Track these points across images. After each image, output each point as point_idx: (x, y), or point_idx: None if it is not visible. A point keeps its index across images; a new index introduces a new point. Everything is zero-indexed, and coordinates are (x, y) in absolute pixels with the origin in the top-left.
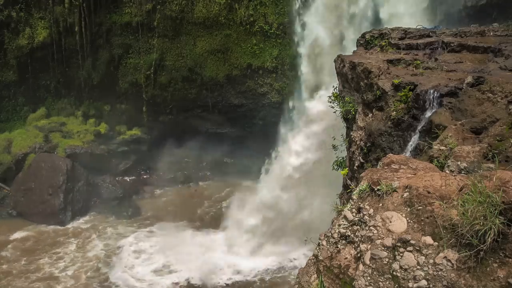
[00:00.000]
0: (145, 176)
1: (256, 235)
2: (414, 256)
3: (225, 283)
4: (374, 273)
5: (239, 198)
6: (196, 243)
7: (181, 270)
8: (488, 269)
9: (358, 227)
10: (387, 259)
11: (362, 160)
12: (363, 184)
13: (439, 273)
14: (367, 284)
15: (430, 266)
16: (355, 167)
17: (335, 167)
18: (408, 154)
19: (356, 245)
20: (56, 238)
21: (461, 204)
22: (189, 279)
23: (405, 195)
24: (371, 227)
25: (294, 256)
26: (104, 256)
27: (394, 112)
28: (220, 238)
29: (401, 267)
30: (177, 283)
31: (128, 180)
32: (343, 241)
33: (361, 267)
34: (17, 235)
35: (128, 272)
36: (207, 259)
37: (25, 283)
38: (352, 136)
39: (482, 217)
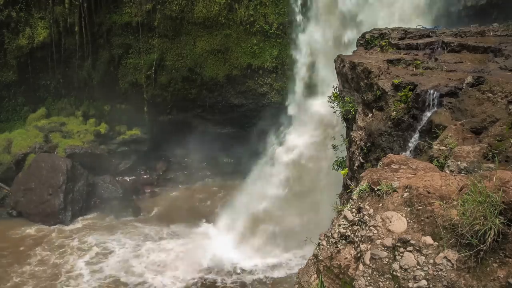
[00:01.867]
0: (145, 176)
1: (258, 234)
2: (414, 256)
3: (226, 282)
4: (374, 273)
5: (239, 198)
6: (196, 243)
7: (180, 269)
8: (488, 269)
9: (358, 227)
10: (387, 259)
11: (362, 160)
12: (363, 184)
13: (439, 273)
14: (367, 284)
15: (430, 266)
16: (355, 167)
17: (335, 167)
18: (408, 154)
19: (356, 245)
20: (55, 238)
21: (461, 204)
22: (187, 279)
23: (405, 195)
24: (371, 227)
25: (296, 255)
26: (101, 257)
27: (394, 112)
28: (220, 237)
29: (401, 267)
30: (175, 283)
31: (128, 180)
32: (343, 241)
33: (361, 267)
34: (16, 235)
35: (123, 271)
36: (207, 258)
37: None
38: (352, 136)
39: (482, 217)
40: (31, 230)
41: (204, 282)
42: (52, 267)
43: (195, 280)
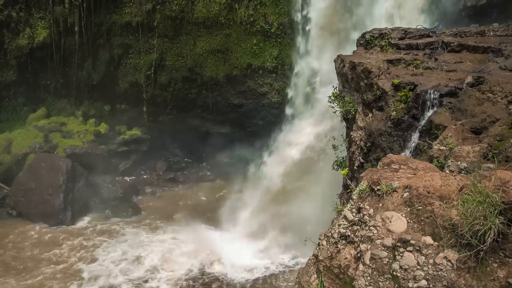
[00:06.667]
0: (145, 176)
1: (258, 234)
2: (414, 256)
3: (226, 282)
4: (374, 273)
5: (239, 198)
6: (195, 243)
7: (180, 269)
8: (488, 269)
9: (358, 227)
10: (387, 259)
11: (362, 160)
12: (363, 184)
13: (439, 273)
14: (367, 284)
15: (430, 266)
16: (355, 167)
17: (335, 167)
18: (408, 154)
19: (356, 245)
20: (55, 238)
21: (461, 204)
22: (187, 279)
23: (405, 195)
24: (371, 227)
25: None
26: (101, 257)
27: (394, 112)
28: (220, 237)
29: (401, 267)
30: (175, 282)
31: (128, 180)
32: (343, 241)
33: (361, 267)
34: (16, 235)
35: (123, 270)
36: (207, 258)
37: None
38: (352, 136)
39: (482, 217)
40: (30, 230)
41: (205, 282)
42: (52, 267)
43: (196, 280)
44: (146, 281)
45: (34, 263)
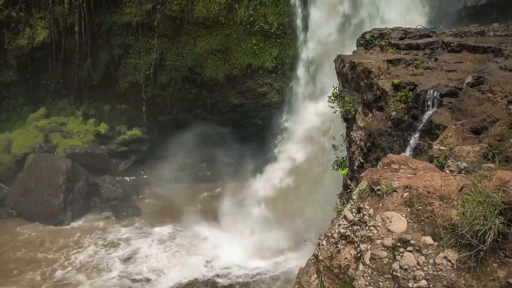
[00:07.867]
0: (145, 176)
1: (259, 234)
2: (414, 256)
3: (226, 282)
4: (374, 273)
5: (239, 197)
6: (196, 243)
7: (179, 270)
8: (488, 269)
9: (358, 227)
10: (387, 259)
11: (362, 160)
12: (363, 184)
13: (439, 273)
14: (367, 284)
15: (430, 266)
16: (355, 167)
17: (335, 167)
18: (408, 154)
19: (356, 245)
20: (55, 238)
21: (461, 204)
22: (187, 279)
23: (405, 195)
24: (371, 227)
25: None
26: (101, 257)
27: (394, 112)
28: (221, 238)
29: (401, 267)
30: (174, 283)
31: (128, 180)
32: (343, 241)
33: (361, 267)
34: (16, 235)
35: (123, 271)
36: (207, 259)
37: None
38: (352, 136)
39: (482, 217)
40: (30, 230)
41: (204, 282)
42: (52, 267)
43: (195, 281)
44: (145, 283)
45: (19, 266)
